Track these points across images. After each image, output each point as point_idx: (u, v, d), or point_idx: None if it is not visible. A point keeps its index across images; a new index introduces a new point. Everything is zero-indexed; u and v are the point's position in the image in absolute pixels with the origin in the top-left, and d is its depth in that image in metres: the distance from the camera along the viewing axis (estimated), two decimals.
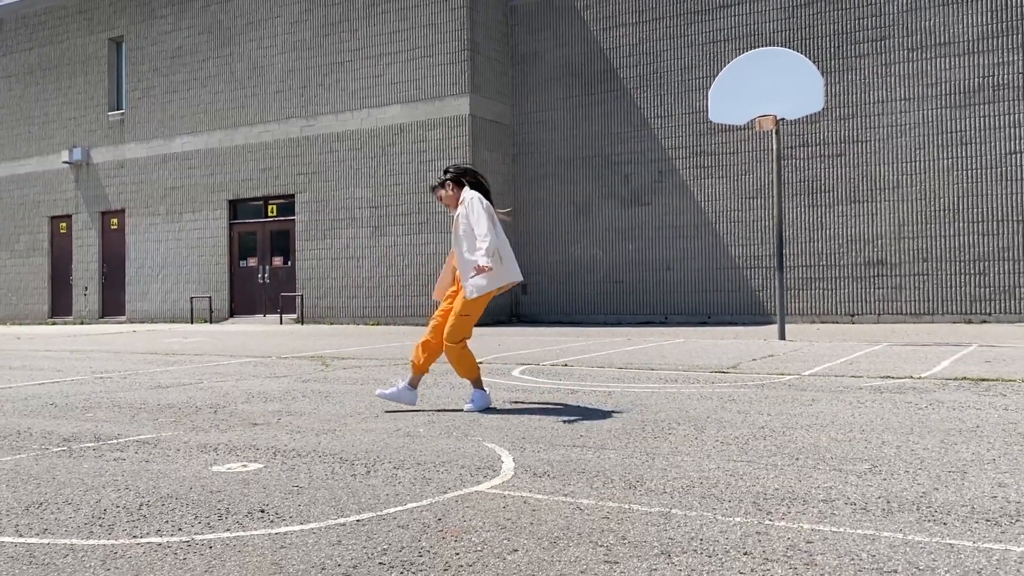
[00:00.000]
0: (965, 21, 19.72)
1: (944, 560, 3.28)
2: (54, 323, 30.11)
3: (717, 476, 4.78)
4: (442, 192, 7.70)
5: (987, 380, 8.84)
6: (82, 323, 29.61)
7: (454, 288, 7.64)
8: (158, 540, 3.73)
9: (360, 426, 6.69)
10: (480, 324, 22.34)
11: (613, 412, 7.20)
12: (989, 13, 19.52)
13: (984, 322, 19.20)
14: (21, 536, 3.84)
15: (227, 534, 3.80)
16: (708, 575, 3.18)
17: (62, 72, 30.73)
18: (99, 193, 29.96)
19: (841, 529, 3.71)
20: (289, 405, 7.93)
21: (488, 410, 7.41)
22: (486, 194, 7.65)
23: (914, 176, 20.08)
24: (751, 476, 4.76)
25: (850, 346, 13.64)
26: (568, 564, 3.33)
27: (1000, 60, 19.35)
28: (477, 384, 7.54)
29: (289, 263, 26.30)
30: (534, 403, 7.80)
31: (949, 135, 19.77)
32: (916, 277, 20.00)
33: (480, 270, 7.13)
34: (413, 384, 7.58)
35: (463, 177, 7.70)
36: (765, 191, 21.48)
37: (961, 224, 19.63)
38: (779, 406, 7.36)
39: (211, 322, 27.01)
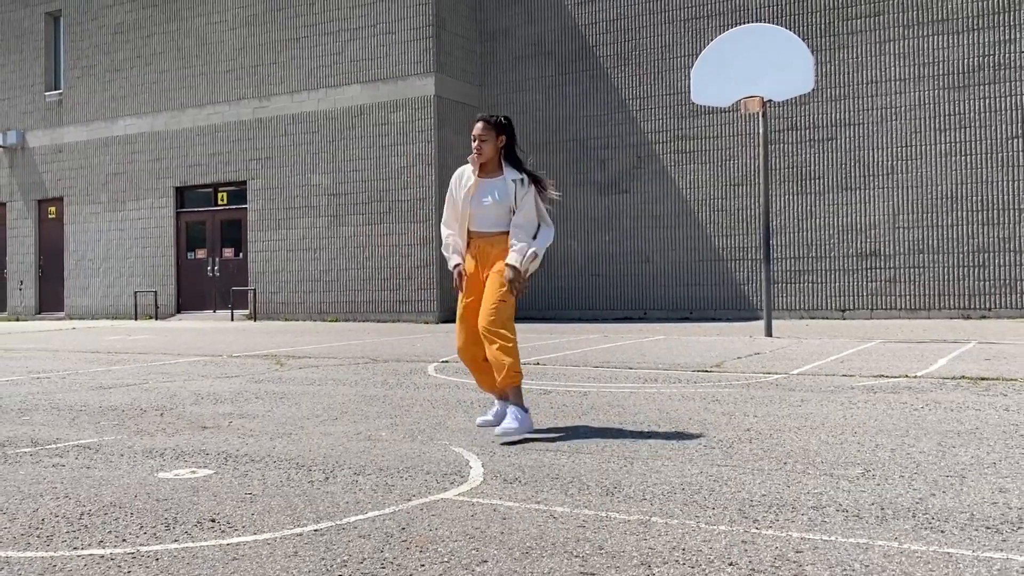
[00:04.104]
0: None
1: (942, 570, 3.30)
2: None
3: (700, 482, 4.79)
4: (489, 139, 6.60)
5: (987, 379, 8.91)
6: (17, 319, 29.37)
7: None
8: (100, 552, 3.71)
9: (318, 429, 6.67)
10: (445, 320, 22.34)
11: (589, 414, 7.21)
12: None
13: (984, 317, 19.35)
14: None
15: (175, 545, 3.78)
16: None
17: None
18: (35, 180, 29.70)
19: (832, 538, 3.73)
20: (241, 407, 7.90)
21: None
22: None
23: (910, 162, 20.20)
24: (736, 482, 4.78)
25: (841, 343, 13.71)
26: None
27: (1002, 38, 19.48)
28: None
29: (241, 255, 26.17)
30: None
31: (947, 118, 19.89)
32: (912, 270, 20.13)
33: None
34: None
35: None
36: (751, 178, 21.55)
37: (960, 213, 19.76)
38: (766, 407, 7.39)
39: (156, 318, 26.86)
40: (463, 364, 6.75)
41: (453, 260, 6.60)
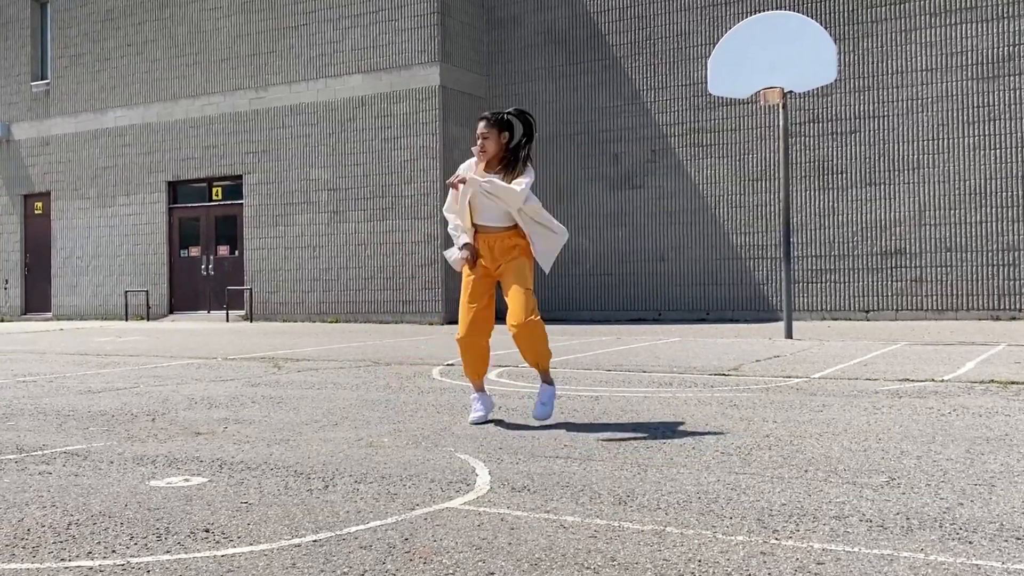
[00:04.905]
0: None
1: None
2: None
3: (717, 490, 4.79)
4: (491, 136, 6.96)
5: (1017, 383, 8.90)
6: (1, 320, 29.44)
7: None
8: (88, 563, 3.71)
9: (317, 435, 6.67)
10: (449, 321, 22.34)
11: (601, 419, 7.21)
12: None
13: (1014, 319, 19.32)
14: None
15: (167, 556, 3.78)
16: None
17: None
18: (21, 174, 29.77)
19: (855, 549, 3.72)
20: (237, 412, 7.90)
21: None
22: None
23: (937, 156, 20.17)
24: (755, 490, 4.78)
25: (865, 345, 13.70)
26: None
27: None
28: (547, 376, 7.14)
29: (236, 253, 26.21)
30: (512, 409, 7.79)
31: (976, 110, 19.87)
32: (938, 269, 20.10)
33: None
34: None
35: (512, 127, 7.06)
36: (770, 172, 21.54)
37: (989, 210, 19.73)
38: (786, 412, 7.38)
39: (148, 319, 26.90)
40: (460, 349, 7.06)
41: (463, 239, 6.91)
